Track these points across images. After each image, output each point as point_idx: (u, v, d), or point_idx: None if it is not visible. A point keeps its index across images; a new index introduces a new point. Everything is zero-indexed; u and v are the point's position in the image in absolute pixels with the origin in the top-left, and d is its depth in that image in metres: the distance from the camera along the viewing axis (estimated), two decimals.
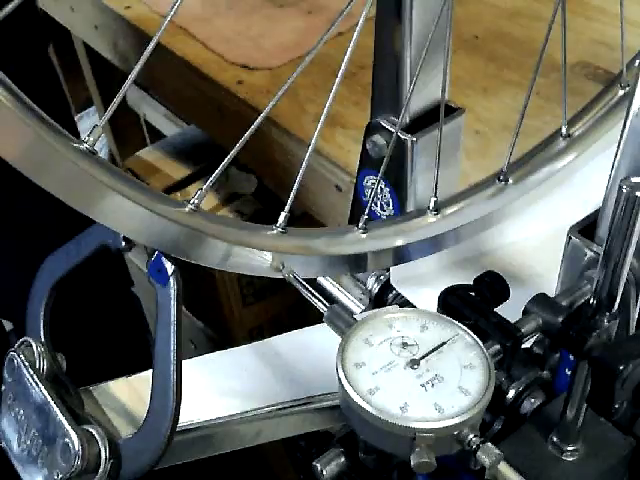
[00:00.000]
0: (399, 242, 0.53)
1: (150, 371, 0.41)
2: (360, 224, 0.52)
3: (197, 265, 0.43)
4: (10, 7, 0.31)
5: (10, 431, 0.44)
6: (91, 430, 0.41)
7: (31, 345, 0.44)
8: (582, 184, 0.58)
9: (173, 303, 0.40)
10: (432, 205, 0.54)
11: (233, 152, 0.43)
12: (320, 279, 0.58)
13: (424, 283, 0.58)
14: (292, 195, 0.45)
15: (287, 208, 0.46)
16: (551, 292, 0.46)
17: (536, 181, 0.57)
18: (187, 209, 0.41)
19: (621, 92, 0.58)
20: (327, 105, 0.45)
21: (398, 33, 0.49)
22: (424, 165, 0.54)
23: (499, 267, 0.51)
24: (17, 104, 0.33)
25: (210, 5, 1.12)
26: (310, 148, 0.45)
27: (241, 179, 1.20)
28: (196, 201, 0.42)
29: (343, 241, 0.52)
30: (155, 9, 1.12)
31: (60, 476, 0.40)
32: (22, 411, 0.43)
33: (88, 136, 0.36)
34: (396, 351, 0.40)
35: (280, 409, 0.46)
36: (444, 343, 0.41)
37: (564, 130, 0.57)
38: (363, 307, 0.60)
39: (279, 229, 0.47)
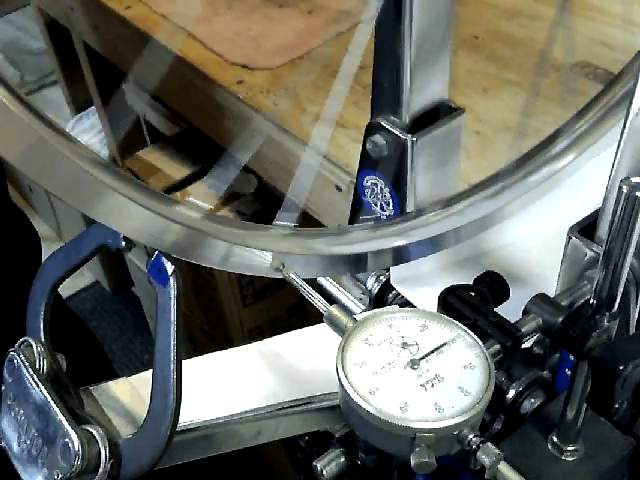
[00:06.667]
0: (399, 242, 0.53)
1: (150, 371, 0.41)
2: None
3: (197, 265, 0.43)
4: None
5: (10, 431, 0.44)
6: (91, 430, 0.41)
7: (31, 345, 0.44)
8: (582, 184, 0.58)
9: (173, 303, 0.40)
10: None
11: None
12: (320, 279, 0.58)
13: (424, 283, 0.58)
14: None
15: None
16: (551, 292, 0.46)
17: (536, 181, 0.57)
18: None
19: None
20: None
21: (398, 33, 0.49)
22: (424, 165, 0.54)
23: (499, 267, 0.51)
24: (17, 104, 0.33)
25: (210, 5, 1.12)
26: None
27: (241, 179, 1.20)
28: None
29: (343, 241, 0.52)
30: (155, 9, 1.12)
31: (60, 476, 0.40)
32: (22, 411, 0.43)
33: None
34: (396, 351, 0.40)
35: (280, 409, 0.46)
36: (444, 343, 0.41)
37: None
38: (363, 307, 0.60)
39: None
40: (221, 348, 0.50)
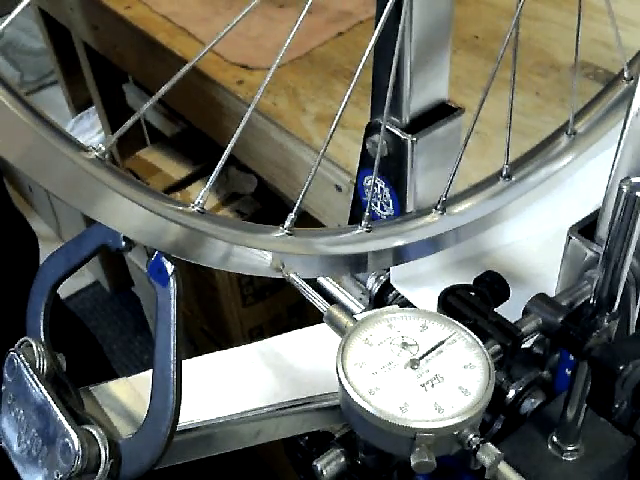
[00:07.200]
0: (399, 242, 0.53)
1: (150, 371, 0.41)
2: (360, 224, 0.52)
3: (197, 265, 0.43)
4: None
5: (10, 431, 0.44)
6: (91, 430, 0.41)
7: (31, 345, 0.44)
8: (582, 184, 0.58)
9: (173, 303, 0.40)
10: (440, 205, 0.54)
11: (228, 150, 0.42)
12: (320, 279, 0.58)
13: (424, 283, 0.58)
14: (299, 198, 0.45)
15: (295, 210, 0.46)
16: (551, 292, 0.46)
17: (536, 181, 0.57)
18: (190, 210, 0.42)
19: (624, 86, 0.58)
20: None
21: (398, 33, 0.49)
22: (424, 165, 0.54)
23: (499, 267, 0.51)
24: (17, 104, 0.33)
25: (210, 5, 1.12)
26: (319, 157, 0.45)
27: (241, 179, 1.20)
28: (201, 201, 0.42)
29: (343, 241, 0.52)
30: (155, 9, 1.12)
31: (60, 476, 0.40)
32: (22, 411, 0.43)
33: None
34: (396, 351, 0.40)
35: (280, 409, 0.46)
36: (444, 343, 0.41)
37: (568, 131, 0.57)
38: (363, 307, 0.60)
39: (285, 230, 0.47)
40: (221, 348, 0.50)
